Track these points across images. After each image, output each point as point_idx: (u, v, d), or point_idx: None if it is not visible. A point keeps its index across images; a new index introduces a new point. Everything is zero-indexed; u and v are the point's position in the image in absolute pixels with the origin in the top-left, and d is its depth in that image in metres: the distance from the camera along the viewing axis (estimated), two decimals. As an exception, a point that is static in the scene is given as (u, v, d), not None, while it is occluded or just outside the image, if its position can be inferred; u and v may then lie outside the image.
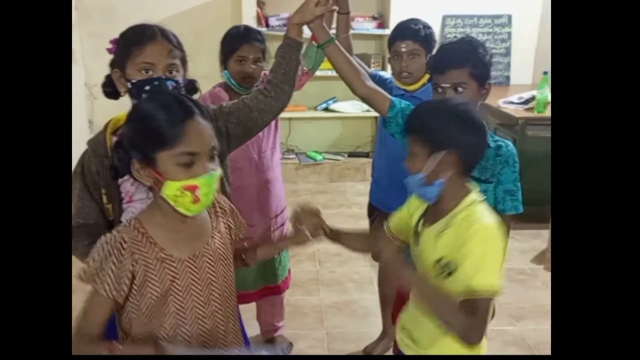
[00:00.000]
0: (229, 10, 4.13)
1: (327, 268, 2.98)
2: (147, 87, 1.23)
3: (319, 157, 4.41)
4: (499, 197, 1.44)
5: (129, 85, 1.25)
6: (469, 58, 1.40)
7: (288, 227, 2.14)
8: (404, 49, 1.91)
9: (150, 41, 1.24)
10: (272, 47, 3.92)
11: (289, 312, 2.42)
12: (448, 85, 1.39)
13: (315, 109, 4.31)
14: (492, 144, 1.40)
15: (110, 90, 1.32)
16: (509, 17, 4.32)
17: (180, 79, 1.28)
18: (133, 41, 1.24)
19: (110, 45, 1.30)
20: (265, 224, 2.05)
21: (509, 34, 4.35)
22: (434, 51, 1.72)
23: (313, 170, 4.36)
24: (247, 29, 1.98)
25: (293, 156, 4.42)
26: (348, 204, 3.94)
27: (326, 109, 4.30)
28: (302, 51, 2.09)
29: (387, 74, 2.20)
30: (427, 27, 1.95)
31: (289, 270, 2.23)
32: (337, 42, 1.46)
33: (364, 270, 2.94)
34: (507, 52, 4.37)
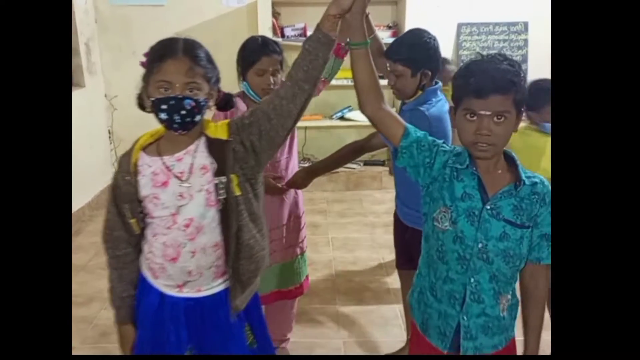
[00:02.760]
0: (245, 21, 4.18)
1: (343, 277, 2.97)
2: (164, 106, 1.21)
3: (335, 166, 4.41)
4: (534, 243, 1.25)
5: (148, 104, 1.25)
6: (514, 82, 1.18)
7: (305, 234, 2.16)
8: (388, 68, 1.89)
9: (170, 58, 1.21)
10: (288, 57, 3.94)
11: (306, 320, 2.42)
12: (489, 112, 1.18)
13: (331, 117, 4.33)
14: (526, 182, 1.23)
15: (141, 102, 1.31)
16: (525, 24, 4.30)
17: (201, 97, 1.24)
18: (155, 57, 1.23)
19: (144, 59, 1.28)
20: (278, 230, 2.04)
21: (526, 41, 4.33)
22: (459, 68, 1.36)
23: (329, 178, 4.37)
24: (265, 40, 1.96)
25: (309, 164, 4.42)
26: (364, 212, 3.94)
27: (342, 118, 4.31)
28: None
29: None
30: (413, 45, 1.85)
31: (307, 276, 2.22)
32: (369, 48, 1.30)
33: (380, 279, 2.93)
34: (524, 59, 4.34)
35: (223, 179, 1.26)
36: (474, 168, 1.25)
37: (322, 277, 2.96)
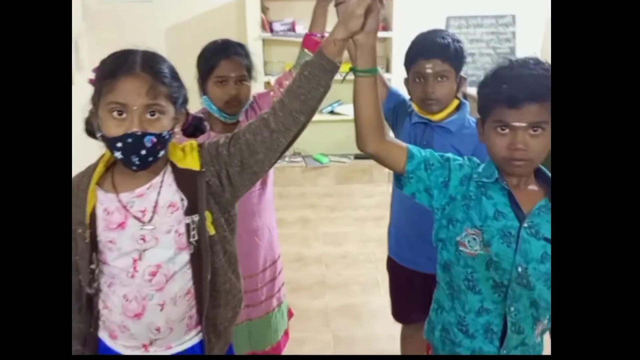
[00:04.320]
0: (234, 16, 4.16)
1: (333, 271, 3.00)
2: (119, 144, 0.99)
3: (325, 160, 4.43)
4: None
5: (98, 135, 1.02)
6: (549, 88, 1.01)
7: (282, 280, 1.86)
8: (429, 70, 1.49)
9: (125, 74, 0.98)
10: (277, 52, 3.90)
11: (295, 315, 2.44)
12: (524, 124, 1.03)
13: (320, 112, 4.33)
14: None
15: (92, 128, 1.07)
16: (513, 17, 4.33)
17: (166, 123, 1.02)
18: (105, 73, 1.00)
19: (93, 76, 1.04)
20: (251, 279, 1.70)
21: (514, 33, 4.35)
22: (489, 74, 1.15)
23: (320, 172, 4.39)
24: (226, 42, 1.63)
25: (299, 159, 4.44)
26: (355, 206, 3.96)
27: (331, 112, 4.33)
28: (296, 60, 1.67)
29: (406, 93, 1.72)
30: (456, 40, 1.52)
31: (286, 331, 1.93)
32: (380, 75, 1.09)
33: (370, 273, 2.96)
34: (512, 52, 4.37)
35: (195, 217, 1.06)
36: (504, 182, 1.10)
37: (312, 271, 2.98)
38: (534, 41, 4.35)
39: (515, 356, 1.16)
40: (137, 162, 1.01)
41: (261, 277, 1.76)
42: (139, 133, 0.98)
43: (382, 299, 2.68)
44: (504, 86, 1.04)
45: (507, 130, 1.05)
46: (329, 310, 2.61)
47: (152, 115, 1.01)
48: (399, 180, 1.16)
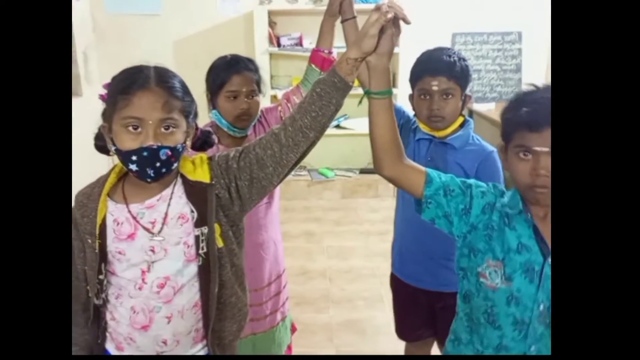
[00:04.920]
0: (242, 30, 4.21)
1: (337, 286, 2.98)
2: (135, 157, 1.01)
3: (331, 174, 4.43)
4: None
5: (114, 149, 1.04)
6: None
7: (286, 294, 1.87)
8: (435, 87, 1.50)
9: (140, 90, 1.01)
10: (284, 66, 3.93)
11: (299, 329, 2.43)
12: (546, 149, 0.99)
13: (326, 126, 4.35)
14: None
15: (102, 144, 1.09)
16: (519, 33, 4.35)
17: (179, 137, 1.05)
18: (120, 88, 1.02)
19: (104, 92, 1.07)
20: (256, 294, 1.71)
21: (520, 50, 4.37)
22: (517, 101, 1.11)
23: (325, 186, 4.39)
24: (235, 57, 1.64)
25: (305, 173, 4.45)
26: (360, 221, 3.95)
27: (337, 126, 4.34)
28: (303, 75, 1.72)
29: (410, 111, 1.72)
30: (462, 58, 1.53)
31: (289, 346, 1.93)
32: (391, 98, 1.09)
33: (374, 288, 2.94)
34: (518, 69, 4.38)
35: (205, 229, 1.07)
36: (529, 214, 1.05)
37: (316, 285, 2.97)
38: (541, 58, 4.37)
39: (515, 356, 1.11)
40: (152, 175, 1.03)
41: (266, 291, 1.75)
42: (155, 146, 1.01)
43: (386, 314, 2.66)
44: (524, 109, 1.01)
45: (529, 156, 1.01)
46: (333, 325, 2.60)
47: (167, 129, 1.03)
48: (418, 205, 1.13)
